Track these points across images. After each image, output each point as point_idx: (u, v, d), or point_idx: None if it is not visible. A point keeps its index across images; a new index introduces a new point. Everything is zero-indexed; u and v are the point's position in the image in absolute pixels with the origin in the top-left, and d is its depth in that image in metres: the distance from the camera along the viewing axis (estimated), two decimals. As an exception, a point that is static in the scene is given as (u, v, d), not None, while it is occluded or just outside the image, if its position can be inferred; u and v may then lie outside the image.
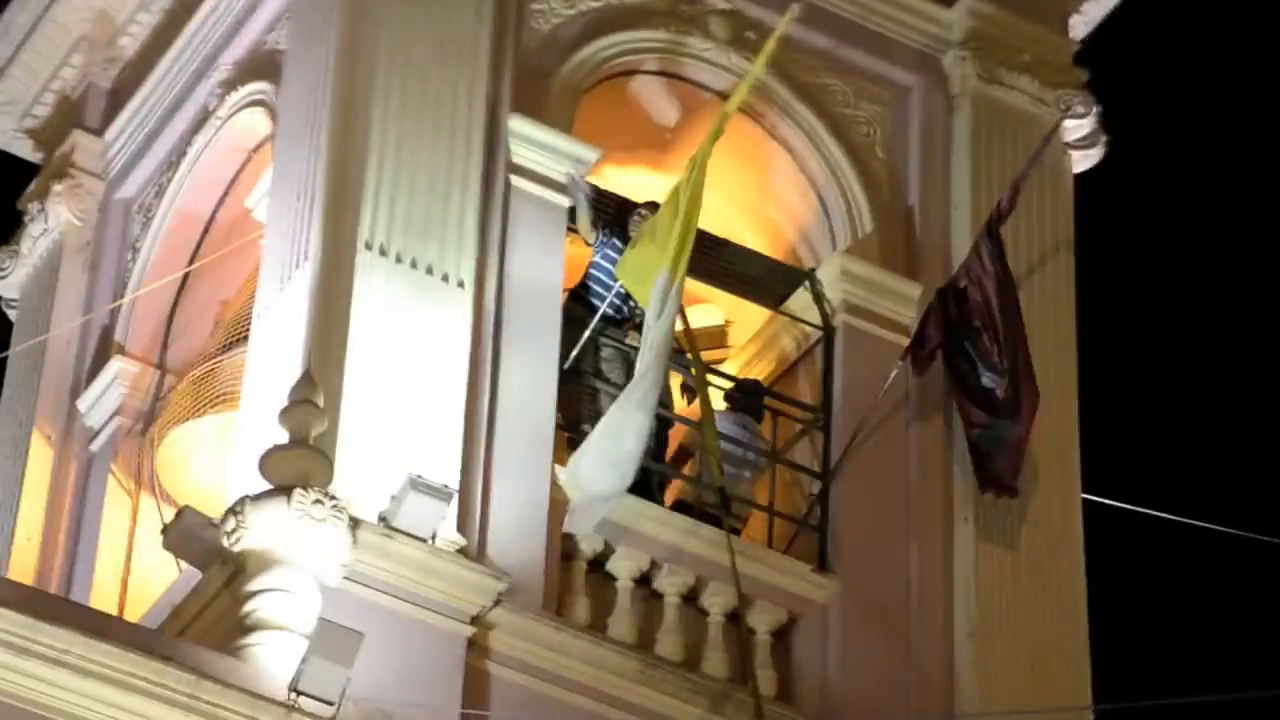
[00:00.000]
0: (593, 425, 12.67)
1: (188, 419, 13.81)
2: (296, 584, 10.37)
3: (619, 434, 12.53)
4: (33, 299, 16.06)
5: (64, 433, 14.90)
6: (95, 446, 14.62)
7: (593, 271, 13.47)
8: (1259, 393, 33.50)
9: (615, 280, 13.21)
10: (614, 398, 12.80)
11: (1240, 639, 25.07)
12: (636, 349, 12.84)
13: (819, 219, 14.37)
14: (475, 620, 11.14)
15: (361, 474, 11.11)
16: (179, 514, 11.42)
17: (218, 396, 13.49)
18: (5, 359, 15.50)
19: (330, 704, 9.66)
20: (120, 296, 15.07)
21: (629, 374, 12.91)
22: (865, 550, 12.75)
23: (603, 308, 13.27)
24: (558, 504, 12.23)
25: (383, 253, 12.22)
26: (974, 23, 15.04)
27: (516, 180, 12.96)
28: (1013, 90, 15.04)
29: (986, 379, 12.71)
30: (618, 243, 13.29)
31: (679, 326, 12.91)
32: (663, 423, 13.14)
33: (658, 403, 12.75)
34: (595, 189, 13.72)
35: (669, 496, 13.27)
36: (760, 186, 14.75)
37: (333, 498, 10.45)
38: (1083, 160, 15.16)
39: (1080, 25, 15.88)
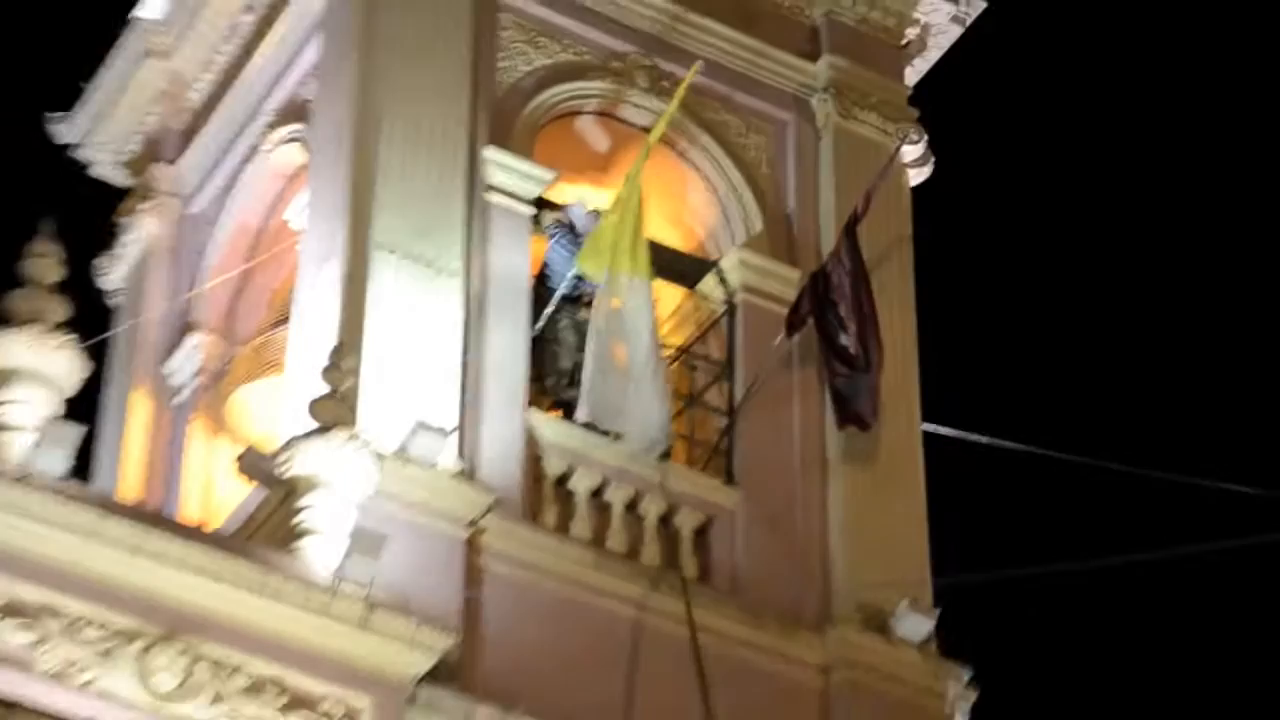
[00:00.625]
0: (556, 379, 14.13)
1: (249, 379, 15.15)
2: (334, 501, 11.44)
3: (651, 398, 13.82)
4: (129, 290, 17.13)
5: (155, 392, 16.10)
6: (179, 401, 15.88)
7: (550, 262, 14.43)
8: (1061, 343, 36.63)
9: (571, 268, 14.15)
10: (572, 357, 14.12)
11: (1054, 535, 26.68)
12: (587, 321, 13.98)
13: (722, 222, 15.51)
14: (471, 525, 12.24)
15: (381, 418, 12.21)
16: (245, 451, 12.88)
17: (270, 362, 14.71)
18: (110, 338, 16.46)
19: (364, 587, 10.85)
20: (195, 287, 16.09)
21: (581, 340, 13.96)
22: (761, 470, 14.08)
23: (560, 289, 14.17)
24: (532, 438, 13.37)
25: (392, 251, 13.21)
26: (833, 73, 16.36)
27: (491, 195, 14.02)
28: (863, 124, 16.22)
29: (844, 340, 13.79)
30: (567, 241, 14.50)
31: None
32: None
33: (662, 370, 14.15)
34: (577, 208, 15.07)
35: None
36: (677, 199, 15.68)
37: (359, 436, 11.51)
38: (916, 175, 16.52)
39: (912, 75, 17.26)
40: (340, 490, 11.48)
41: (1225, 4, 34.79)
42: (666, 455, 13.78)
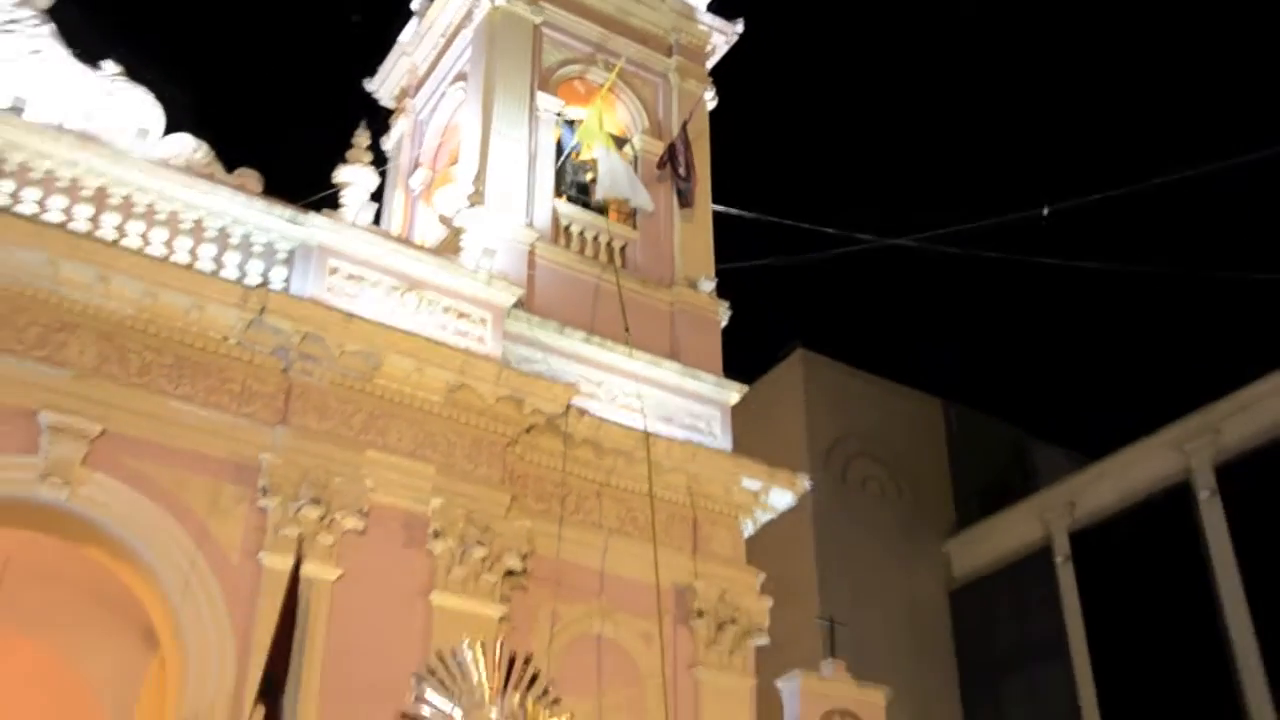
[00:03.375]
0: (566, 186, 21.65)
1: (442, 184, 23.53)
2: (476, 236, 19.26)
3: (631, 185, 20.78)
4: (397, 149, 25.18)
5: (407, 191, 24.27)
6: (415, 195, 24.11)
7: (562, 139, 21.89)
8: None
9: (573, 139, 21.79)
10: (570, 177, 21.69)
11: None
12: (575, 164, 21.63)
13: (631, 124, 23.25)
14: (530, 244, 20.18)
15: (497, 201, 20.19)
16: (440, 216, 21.63)
17: (449, 177, 22.60)
18: (388, 170, 24.51)
19: (488, 267, 18.96)
20: (422, 149, 24.37)
21: (573, 170, 21.70)
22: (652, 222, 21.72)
23: (568, 150, 21.79)
24: (556, 211, 21.19)
25: (500, 134, 20.85)
26: (677, 60, 24.06)
27: (540, 114, 21.81)
28: (689, 80, 23.95)
29: (681, 170, 21.60)
30: (569, 130, 21.99)
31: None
32: None
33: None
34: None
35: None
36: (613, 112, 22.99)
37: (485, 209, 19.73)
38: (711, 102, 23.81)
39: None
40: (479, 231, 19.39)
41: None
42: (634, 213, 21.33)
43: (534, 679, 12.69)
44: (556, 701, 12.83)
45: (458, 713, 11.96)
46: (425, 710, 12.03)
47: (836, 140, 60.36)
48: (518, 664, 12.75)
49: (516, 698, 12.33)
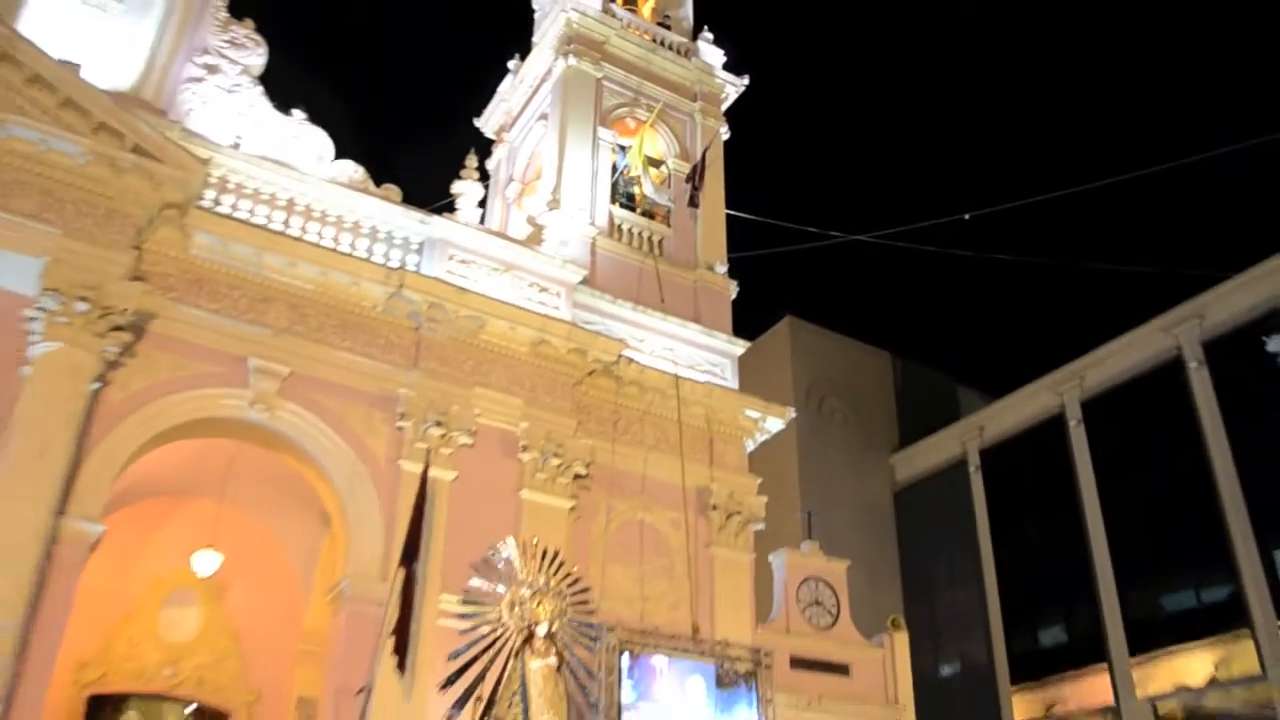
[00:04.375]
0: (616, 195, 20.84)
1: (528, 194, 23.06)
2: (555, 231, 19.36)
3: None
4: (502, 163, 24.41)
5: (506, 206, 23.97)
6: (509, 201, 23.76)
7: (615, 163, 21.21)
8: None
9: (624, 162, 21.18)
10: (623, 189, 21.08)
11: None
12: (625, 179, 21.05)
13: (668, 151, 22.57)
14: (592, 238, 19.74)
15: (570, 205, 19.88)
16: (527, 217, 21.04)
17: (535, 188, 22.35)
18: (489, 183, 23.96)
19: (563, 255, 18.92)
20: (515, 169, 23.83)
21: (623, 184, 20.98)
22: (681, 222, 21.37)
23: (620, 169, 21.17)
24: (612, 214, 20.56)
25: (570, 159, 20.41)
26: (700, 105, 23.20)
27: (600, 143, 21.22)
28: (709, 118, 23.17)
29: (697, 184, 20.41)
30: (621, 155, 21.23)
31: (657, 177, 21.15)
32: None
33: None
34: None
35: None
36: (654, 142, 22.48)
37: (560, 211, 19.79)
38: (725, 134, 23.05)
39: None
40: (556, 228, 19.48)
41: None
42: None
43: (560, 564, 13.22)
44: (577, 580, 13.37)
45: (500, 587, 12.60)
46: (479, 583, 12.72)
47: (818, 160, 61.04)
48: (548, 554, 13.23)
49: (543, 578, 12.88)
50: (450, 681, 11.83)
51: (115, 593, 17.84)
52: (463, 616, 12.41)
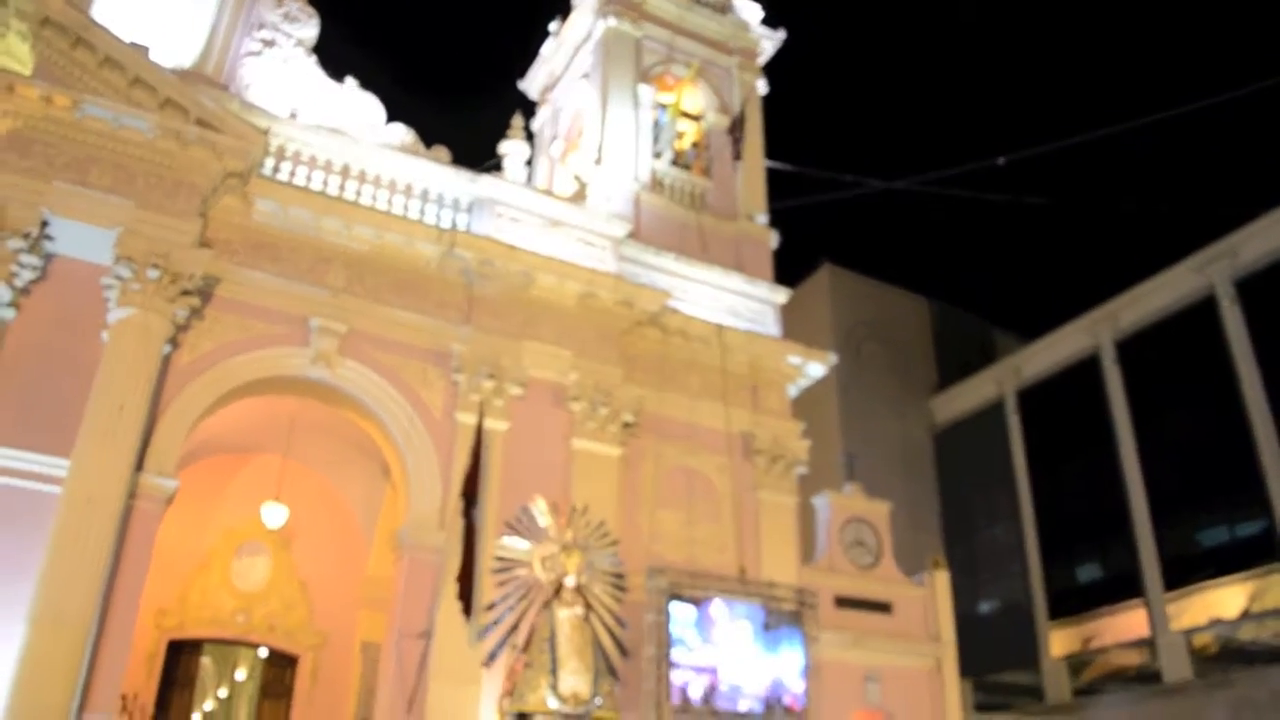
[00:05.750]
0: (658, 154, 20.48)
1: (571, 150, 22.27)
2: (599, 189, 19.47)
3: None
4: (545, 125, 23.86)
5: (550, 158, 23.44)
6: (555, 156, 23.15)
7: (658, 117, 20.88)
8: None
9: (666, 118, 21.06)
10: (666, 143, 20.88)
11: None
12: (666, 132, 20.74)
13: (708, 103, 22.08)
14: (635, 193, 19.26)
15: (612, 167, 19.45)
16: (574, 175, 20.71)
17: (578, 146, 22.03)
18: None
19: (606, 209, 18.37)
20: (559, 125, 23.21)
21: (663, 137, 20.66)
22: (722, 174, 20.89)
23: (661, 125, 20.99)
24: (655, 170, 20.04)
25: (613, 121, 20.07)
26: (738, 58, 22.67)
27: (640, 100, 20.84)
28: (746, 71, 22.66)
29: (737, 135, 20.02)
30: (664, 111, 20.86)
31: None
32: None
33: None
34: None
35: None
36: (693, 97, 22.06)
37: (604, 168, 19.64)
38: (763, 88, 22.46)
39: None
40: (600, 184, 19.05)
41: None
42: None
43: (587, 520, 13.85)
44: (606, 534, 14.03)
45: (526, 544, 13.33)
46: (508, 541, 13.35)
47: (854, 109, 60.31)
48: (577, 510, 13.85)
49: (570, 534, 13.55)
50: (486, 631, 12.64)
51: (190, 545, 18.41)
52: (497, 571, 13.07)
